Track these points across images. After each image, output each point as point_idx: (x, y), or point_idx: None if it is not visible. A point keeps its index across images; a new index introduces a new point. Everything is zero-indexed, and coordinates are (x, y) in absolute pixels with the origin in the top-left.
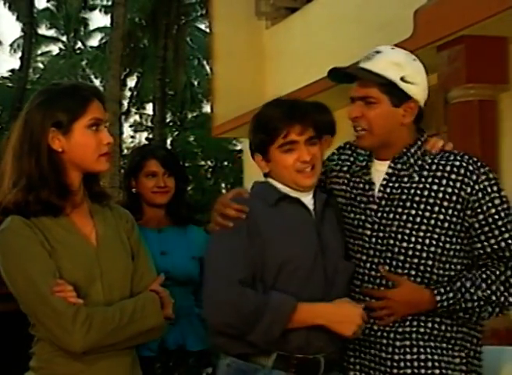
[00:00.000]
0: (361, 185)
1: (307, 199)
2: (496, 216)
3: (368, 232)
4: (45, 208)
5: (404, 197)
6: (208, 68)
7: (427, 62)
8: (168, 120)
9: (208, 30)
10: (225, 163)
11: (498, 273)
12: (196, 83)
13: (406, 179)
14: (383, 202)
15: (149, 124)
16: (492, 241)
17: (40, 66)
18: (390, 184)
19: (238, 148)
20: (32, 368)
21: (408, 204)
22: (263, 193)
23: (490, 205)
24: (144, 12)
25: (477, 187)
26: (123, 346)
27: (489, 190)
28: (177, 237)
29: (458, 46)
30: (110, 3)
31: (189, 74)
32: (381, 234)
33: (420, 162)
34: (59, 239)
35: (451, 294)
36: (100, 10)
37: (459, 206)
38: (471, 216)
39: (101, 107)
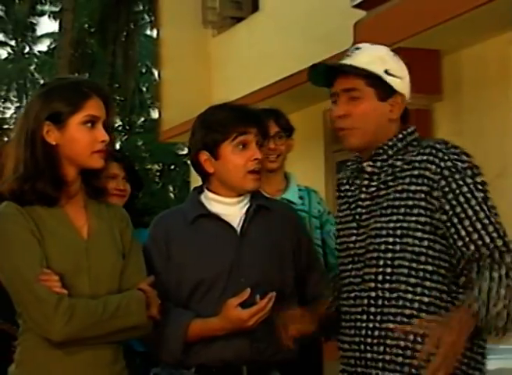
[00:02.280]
0: (354, 191)
1: (235, 209)
2: (469, 195)
3: (353, 238)
4: (40, 199)
5: (382, 193)
6: (156, 74)
7: None
8: (116, 125)
9: (156, 37)
10: (172, 167)
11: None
12: (144, 89)
13: (383, 175)
14: (366, 203)
15: None
16: (467, 222)
17: None
18: (373, 183)
19: (185, 152)
20: (15, 361)
21: (383, 199)
22: (185, 208)
23: (461, 182)
24: (92, 19)
25: (443, 164)
26: (105, 341)
27: (459, 167)
28: None
29: None
30: (59, 9)
31: (137, 80)
32: (361, 238)
33: (400, 156)
34: (50, 229)
35: (478, 295)
36: (49, 16)
37: (425, 188)
38: (440, 197)
39: (101, 104)
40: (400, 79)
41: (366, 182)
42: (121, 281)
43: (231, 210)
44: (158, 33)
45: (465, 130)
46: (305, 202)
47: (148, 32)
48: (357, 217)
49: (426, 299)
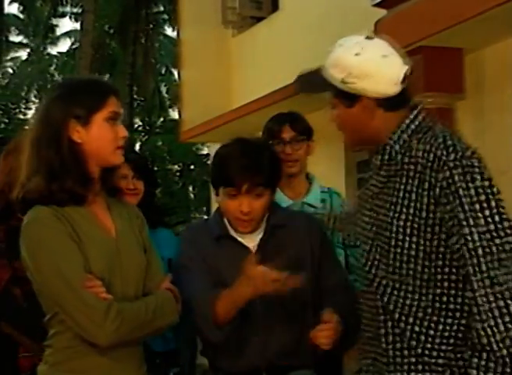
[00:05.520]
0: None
1: (252, 235)
2: (459, 209)
3: (359, 230)
4: (69, 198)
5: (390, 185)
6: (175, 74)
7: None
8: (136, 125)
9: (175, 38)
10: (192, 167)
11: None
12: (164, 89)
13: (393, 168)
14: (376, 190)
15: None
16: (454, 239)
17: (10, 70)
18: (382, 173)
19: (204, 152)
20: (47, 361)
21: (392, 192)
22: (211, 225)
23: (455, 195)
24: (113, 19)
25: (441, 175)
26: (140, 340)
27: (456, 178)
28: None
29: (417, 56)
30: (80, 10)
31: (157, 80)
32: (369, 220)
33: (407, 151)
34: (85, 231)
35: None
36: (70, 17)
37: (432, 193)
38: (441, 205)
39: (118, 102)
40: (362, 80)
41: (375, 176)
42: (146, 278)
43: (246, 235)
44: (177, 34)
45: (487, 128)
46: (326, 205)
47: (168, 32)
48: (370, 200)
49: (438, 291)
